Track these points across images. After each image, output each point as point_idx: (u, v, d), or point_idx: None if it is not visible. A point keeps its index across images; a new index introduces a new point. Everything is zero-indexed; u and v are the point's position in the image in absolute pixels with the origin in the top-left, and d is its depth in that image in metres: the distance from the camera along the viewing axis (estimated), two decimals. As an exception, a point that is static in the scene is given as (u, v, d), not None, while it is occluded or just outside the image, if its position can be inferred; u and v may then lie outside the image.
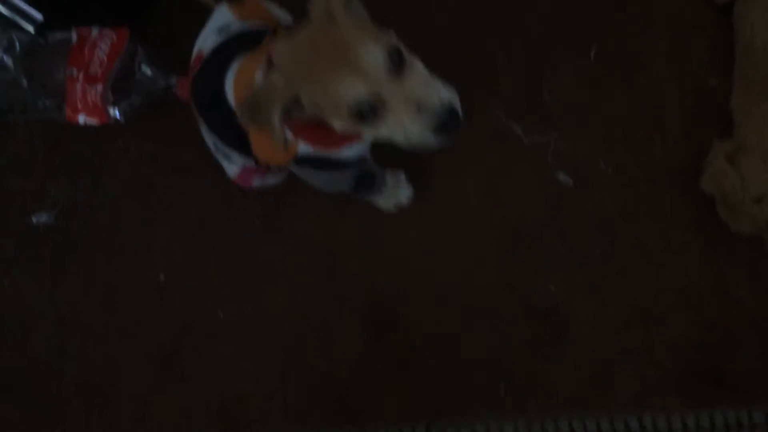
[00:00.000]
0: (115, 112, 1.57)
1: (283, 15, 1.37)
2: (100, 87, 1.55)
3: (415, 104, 0.92)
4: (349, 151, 1.16)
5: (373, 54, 0.91)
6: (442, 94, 0.94)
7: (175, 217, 1.60)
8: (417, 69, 0.95)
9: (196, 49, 1.31)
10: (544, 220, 1.53)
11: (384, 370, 1.51)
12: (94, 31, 1.59)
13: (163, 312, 1.56)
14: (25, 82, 1.61)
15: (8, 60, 1.60)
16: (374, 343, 1.52)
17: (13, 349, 1.58)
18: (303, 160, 1.16)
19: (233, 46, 1.20)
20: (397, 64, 0.93)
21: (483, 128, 1.57)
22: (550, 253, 1.52)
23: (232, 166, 1.40)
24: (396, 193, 1.53)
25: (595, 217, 1.52)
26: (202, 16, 1.39)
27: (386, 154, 1.41)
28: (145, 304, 1.56)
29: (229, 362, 1.53)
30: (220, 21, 1.31)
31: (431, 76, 0.96)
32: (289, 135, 1.09)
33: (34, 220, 1.62)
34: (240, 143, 1.23)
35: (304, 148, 1.12)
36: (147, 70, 1.60)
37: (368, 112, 0.93)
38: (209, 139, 1.34)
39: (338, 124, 0.99)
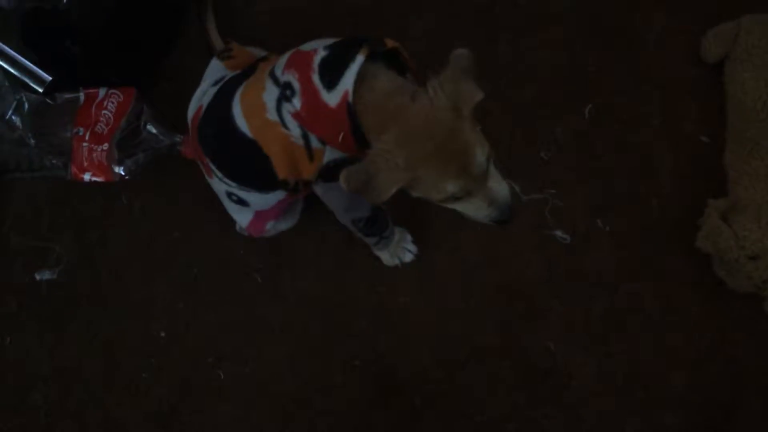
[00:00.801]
0: (119, 170, 1.60)
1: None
2: (105, 146, 1.59)
3: (490, 198, 1.12)
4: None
5: (481, 161, 1.08)
6: (508, 194, 1.15)
7: (176, 274, 1.61)
8: (495, 171, 1.14)
9: (194, 106, 1.36)
10: (542, 278, 1.54)
11: (386, 430, 1.50)
12: (102, 91, 1.64)
13: (163, 369, 1.56)
14: (32, 141, 1.65)
15: (17, 119, 1.64)
16: (376, 402, 1.51)
17: (11, 406, 1.59)
18: (329, 170, 1.19)
19: (232, 82, 1.27)
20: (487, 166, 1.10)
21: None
22: (548, 311, 1.52)
23: (246, 214, 1.42)
24: (400, 249, 1.55)
25: (593, 275, 1.53)
26: (206, 76, 1.44)
27: (395, 213, 1.44)
28: (145, 362, 1.57)
29: (229, 422, 1.53)
30: (216, 75, 1.39)
31: (501, 175, 1.14)
32: (316, 143, 1.16)
33: (37, 277, 1.64)
34: (257, 176, 1.27)
35: (330, 153, 1.17)
36: (152, 129, 1.63)
37: (458, 198, 1.11)
38: (221, 188, 1.36)
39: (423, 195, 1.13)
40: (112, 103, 1.62)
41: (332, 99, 1.09)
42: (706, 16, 1.65)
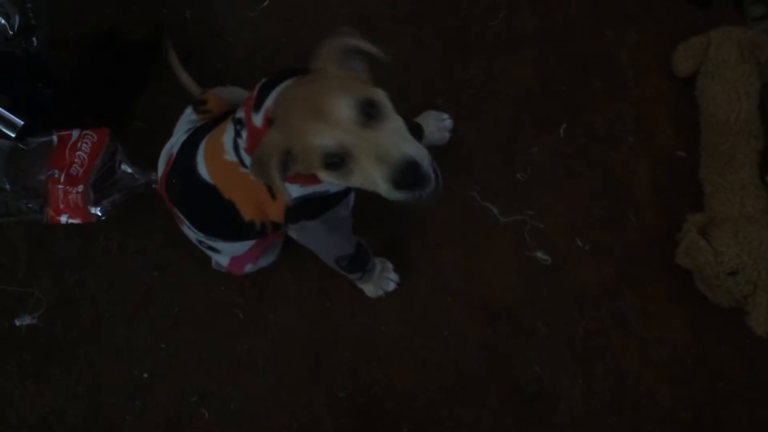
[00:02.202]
0: (96, 211, 1.59)
1: (246, 94, 1.43)
2: (81, 187, 1.57)
3: (377, 156, 0.95)
4: (331, 186, 1.17)
5: (343, 105, 0.96)
6: (408, 149, 0.95)
7: (157, 313, 1.60)
8: (392, 125, 0.99)
9: (165, 155, 1.35)
10: (525, 299, 1.54)
11: (372, 461, 1.49)
12: (75, 133, 1.63)
13: (147, 411, 1.54)
14: (7, 186, 1.64)
15: (-10, 165, 1.63)
16: (362, 433, 1.50)
17: (-6, 455, 1.56)
18: (297, 207, 1.17)
19: (201, 131, 1.27)
20: (369, 117, 0.97)
21: (459, 209, 1.59)
22: (532, 333, 1.52)
23: (221, 257, 1.42)
24: (383, 280, 1.54)
25: (575, 294, 1.53)
26: (180, 113, 1.44)
27: (372, 241, 1.43)
28: (128, 404, 1.55)
29: (215, 462, 1.51)
30: (188, 124, 1.37)
31: (407, 134, 1.00)
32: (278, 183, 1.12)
33: (17, 322, 1.62)
34: (222, 224, 1.26)
35: (293, 189, 1.14)
36: (127, 168, 1.63)
37: (337, 162, 0.98)
38: (193, 235, 1.36)
39: (320, 175, 1.04)
40: (86, 144, 1.62)
41: (258, 119, 1.09)
42: (676, 31, 1.66)
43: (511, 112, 1.66)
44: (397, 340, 1.54)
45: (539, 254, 1.56)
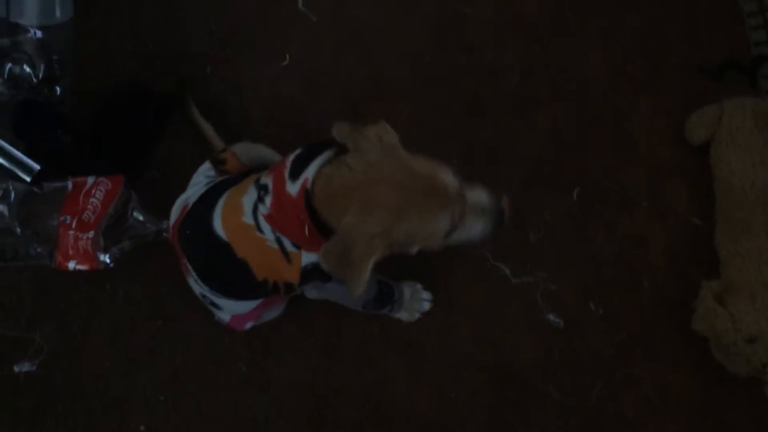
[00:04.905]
0: (105, 258, 1.58)
1: (271, 153, 1.46)
2: (91, 233, 1.57)
3: (479, 209, 1.07)
4: None
5: (451, 179, 1.03)
6: (488, 194, 1.10)
7: (158, 364, 1.56)
8: (462, 183, 1.06)
9: (179, 205, 1.36)
10: (536, 363, 1.50)
11: None
12: (90, 180, 1.63)
13: (143, 466, 1.49)
14: (18, 230, 1.63)
15: (3, 208, 1.63)
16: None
17: None
18: (311, 272, 1.15)
19: (221, 186, 1.27)
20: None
21: (471, 269, 1.58)
22: (543, 398, 1.47)
23: (222, 313, 1.40)
24: (417, 302, 1.52)
25: (588, 359, 1.49)
26: (196, 163, 1.45)
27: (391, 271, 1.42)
28: (124, 459, 1.49)
29: None
30: (206, 178, 1.39)
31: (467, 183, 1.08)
32: (291, 247, 1.12)
33: (16, 369, 1.58)
34: (232, 281, 1.24)
35: (307, 256, 1.12)
36: (139, 216, 1.62)
37: (454, 229, 1.05)
38: (197, 289, 1.35)
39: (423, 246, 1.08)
40: (100, 191, 1.62)
41: (294, 188, 1.08)
42: (689, 100, 1.68)
43: (525, 174, 1.67)
44: (404, 399, 1.50)
45: (551, 317, 1.53)
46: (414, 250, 1.08)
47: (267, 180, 1.15)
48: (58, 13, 1.74)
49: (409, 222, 1.02)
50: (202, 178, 1.40)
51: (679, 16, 1.77)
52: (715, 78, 1.71)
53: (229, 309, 1.36)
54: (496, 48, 1.78)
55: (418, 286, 1.54)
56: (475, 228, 1.09)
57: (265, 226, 1.12)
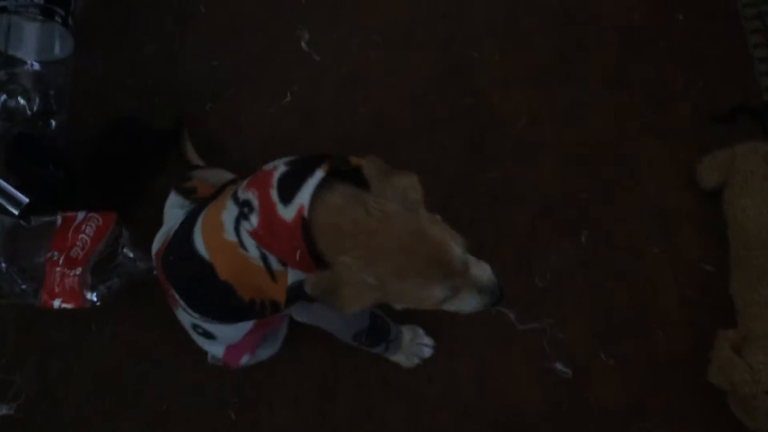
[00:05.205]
0: (92, 296, 1.52)
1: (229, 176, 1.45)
2: (79, 270, 1.51)
3: (477, 287, 1.05)
4: None
5: (459, 255, 1.01)
6: (491, 275, 1.08)
7: (144, 410, 1.48)
8: (469, 256, 1.06)
9: (161, 236, 1.33)
10: (543, 414, 1.41)
11: None
12: (80, 215, 1.59)
13: None
14: (3, 266, 1.58)
15: (-11, 243, 1.58)
16: None
17: None
18: (296, 290, 1.09)
19: (196, 210, 1.22)
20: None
21: (474, 314, 1.48)
22: (551, 453, 1.38)
23: (217, 346, 1.34)
24: (417, 347, 1.46)
25: (597, 412, 1.41)
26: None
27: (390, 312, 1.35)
28: None
29: None
30: (181, 208, 1.37)
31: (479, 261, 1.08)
32: (276, 265, 1.07)
33: (-8, 412, 1.50)
34: (219, 303, 1.18)
35: (295, 274, 1.07)
36: (129, 253, 1.57)
37: (446, 299, 1.03)
38: (187, 320, 1.29)
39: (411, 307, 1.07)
40: (90, 227, 1.57)
41: (288, 213, 1.03)
42: (699, 145, 1.64)
43: (530, 217, 1.61)
44: (403, 452, 1.41)
45: (559, 366, 1.45)
46: (401, 307, 1.08)
47: (248, 195, 1.09)
48: (57, 51, 1.73)
49: (405, 284, 1.00)
50: (176, 209, 1.37)
51: (688, 62, 1.74)
52: (727, 123, 1.67)
53: (223, 336, 1.30)
54: (502, 91, 1.75)
55: (420, 330, 1.47)
56: (469, 303, 1.08)
57: (249, 243, 1.07)
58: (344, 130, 1.74)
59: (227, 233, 1.10)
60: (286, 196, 1.04)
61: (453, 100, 1.75)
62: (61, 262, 1.52)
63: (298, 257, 1.04)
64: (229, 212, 1.11)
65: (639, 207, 1.61)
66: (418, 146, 1.70)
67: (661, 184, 1.63)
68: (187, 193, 1.40)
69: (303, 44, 1.83)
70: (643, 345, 1.47)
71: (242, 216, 1.08)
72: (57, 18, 1.71)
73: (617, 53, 1.77)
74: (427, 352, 1.46)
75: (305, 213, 1.01)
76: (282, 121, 1.76)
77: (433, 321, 1.50)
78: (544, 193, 1.63)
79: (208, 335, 1.30)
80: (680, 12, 1.80)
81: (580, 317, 1.50)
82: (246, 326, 1.29)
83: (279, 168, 1.09)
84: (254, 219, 1.06)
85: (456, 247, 1.01)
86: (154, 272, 1.53)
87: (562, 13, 1.83)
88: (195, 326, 1.29)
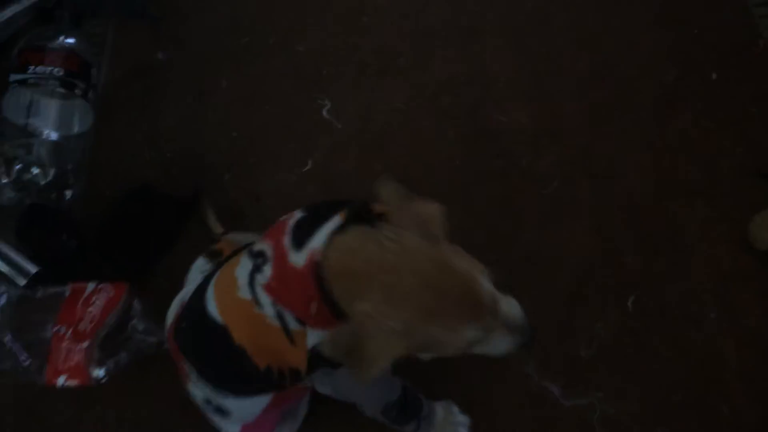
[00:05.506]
0: (99, 373, 1.41)
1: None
2: (86, 343, 1.42)
3: (511, 327, 0.93)
4: None
5: (489, 289, 0.90)
6: (520, 311, 0.95)
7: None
8: (498, 292, 0.94)
9: (176, 304, 1.23)
10: (598, 503, 1.24)
11: None
12: (90, 286, 1.50)
13: None
14: (8, 340, 1.48)
15: (-6, 316, 1.49)
16: None
17: None
18: (318, 356, 0.96)
19: (212, 273, 1.13)
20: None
21: (513, 389, 1.36)
22: None
23: (232, 424, 1.21)
24: (451, 426, 1.32)
25: (660, 499, 1.23)
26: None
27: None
28: None
29: None
30: (202, 274, 1.26)
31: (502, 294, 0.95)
32: (294, 324, 0.95)
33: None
34: (232, 373, 1.07)
35: (316, 335, 0.95)
36: (139, 326, 1.47)
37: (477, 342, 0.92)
38: (199, 395, 1.17)
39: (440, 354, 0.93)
40: (101, 298, 1.48)
41: (299, 259, 0.93)
42: (748, 203, 1.54)
43: (570, 283, 1.49)
44: None
45: (613, 446, 1.29)
46: (428, 356, 0.94)
47: (262, 246, 0.99)
48: (76, 128, 1.71)
49: (436, 328, 0.87)
50: (198, 274, 1.28)
51: (729, 119, 1.66)
52: (775, 180, 1.57)
53: (238, 413, 1.16)
54: (532, 153, 1.68)
55: (454, 408, 1.33)
56: (501, 345, 0.94)
57: (265, 299, 0.96)
58: (367, 196, 1.65)
59: (241, 290, 1.00)
60: (299, 242, 0.94)
61: (481, 163, 1.68)
62: (68, 336, 1.43)
63: (314, 310, 0.92)
64: (243, 267, 1.02)
65: (689, 270, 1.49)
66: (451, 209, 1.61)
67: (713, 245, 1.52)
68: (212, 255, 1.32)
69: (324, 112, 1.79)
70: (706, 423, 1.32)
71: (256, 269, 0.99)
72: (77, 91, 1.70)
73: (653, 112, 1.70)
74: (463, 430, 1.31)
75: (317, 257, 0.91)
76: (302, 189, 1.69)
77: (465, 398, 1.36)
78: (584, 257, 1.52)
79: (222, 411, 1.17)
80: (714, 71, 1.74)
81: (632, 391, 1.35)
82: (263, 402, 1.16)
83: (295, 215, 1.01)
84: (268, 270, 0.97)
85: (483, 281, 0.90)
86: (165, 345, 1.43)
87: (589, 76, 1.78)
88: (207, 401, 1.17)
